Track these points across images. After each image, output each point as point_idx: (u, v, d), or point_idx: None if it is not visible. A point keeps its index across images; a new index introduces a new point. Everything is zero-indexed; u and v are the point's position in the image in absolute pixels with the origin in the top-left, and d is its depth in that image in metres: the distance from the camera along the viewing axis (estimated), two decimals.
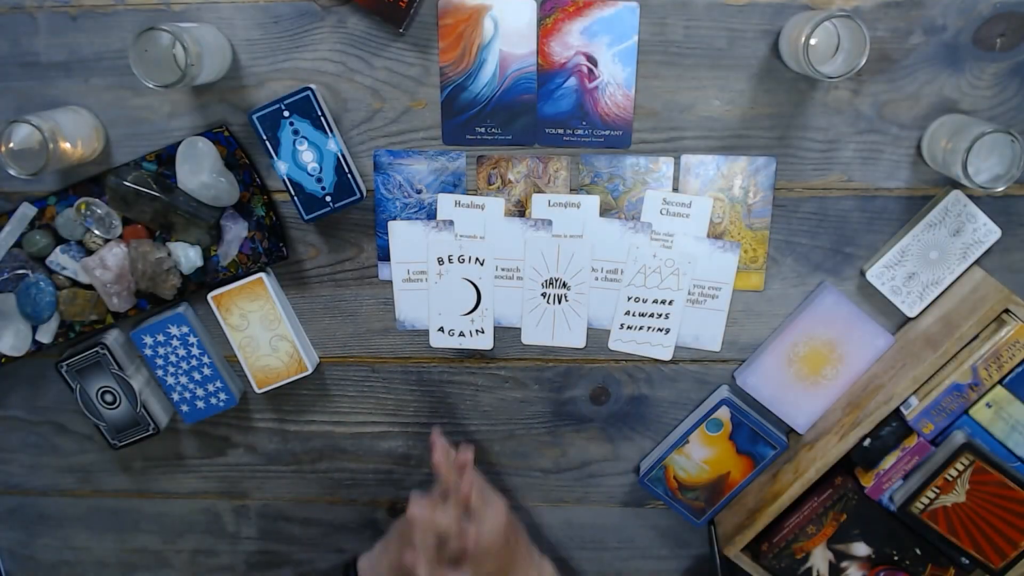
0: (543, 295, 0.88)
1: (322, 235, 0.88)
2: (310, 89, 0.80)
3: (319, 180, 0.82)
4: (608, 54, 0.80)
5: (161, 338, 0.88)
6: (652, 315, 0.87)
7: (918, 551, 0.83)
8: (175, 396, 0.90)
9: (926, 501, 0.79)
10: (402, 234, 0.87)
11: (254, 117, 0.80)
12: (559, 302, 0.88)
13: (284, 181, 0.82)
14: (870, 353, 0.85)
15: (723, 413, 0.87)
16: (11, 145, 0.78)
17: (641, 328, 0.88)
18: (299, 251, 0.89)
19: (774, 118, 0.82)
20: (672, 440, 0.90)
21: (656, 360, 0.89)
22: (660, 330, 0.87)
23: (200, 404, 0.90)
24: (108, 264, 0.84)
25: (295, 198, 0.82)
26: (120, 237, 0.85)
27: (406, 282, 0.89)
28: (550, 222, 0.85)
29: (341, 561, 0.85)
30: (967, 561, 0.81)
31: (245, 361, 0.88)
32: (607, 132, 0.83)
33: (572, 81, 0.81)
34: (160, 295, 0.86)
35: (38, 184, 0.86)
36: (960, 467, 0.78)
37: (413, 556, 0.73)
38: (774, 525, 0.86)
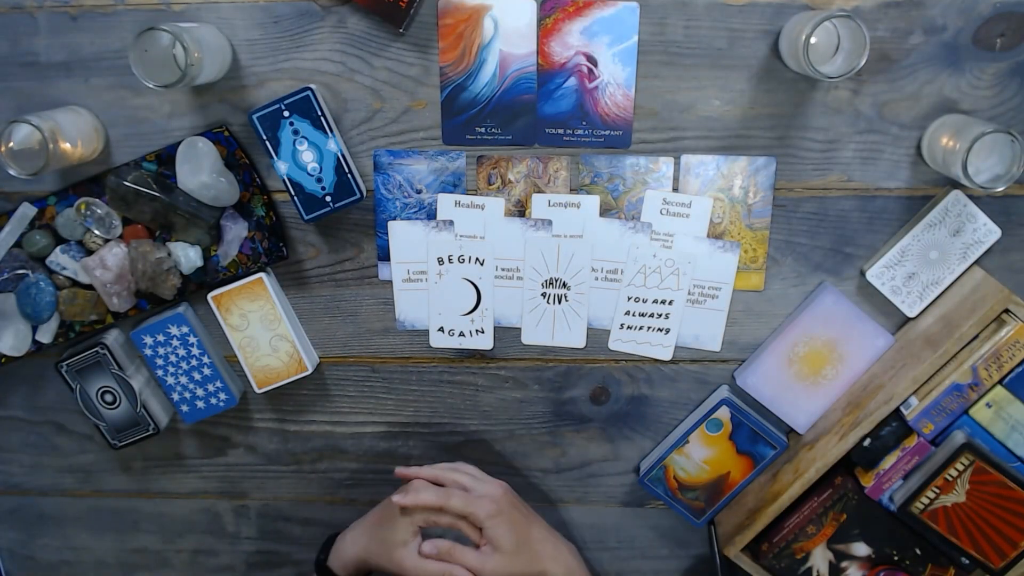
0: (543, 295, 0.88)
1: (322, 235, 0.88)
2: (310, 89, 0.80)
3: (319, 180, 0.82)
4: (608, 54, 0.80)
5: (161, 338, 0.88)
6: (652, 315, 0.87)
7: (918, 551, 0.83)
8: (175, 396, 0.90)
9: (926, 501, 0.79)
10: (402, 234, 0.87)
11: (254, 117, 0.80)
12: (559, 302, 0.88)
13: (284, 181, 0.82)
14: (870, 353, 0.85)
15: (723, 413, 0.87)
16: (11, 145, 0.78)
17: (641, 328, 0.88)
18: (299, 251, 0.89)
19: (774, 118, 0.82)
20: (672, 440, 0.90)
21: (656, 360, 0.89)
22: (660, 330, 0.87)
23: (200, 404, 0.90)
24: (108, 264, 0.84)
25: (295, 198, 0.82)
26: (120, 237, 0.85)
27: (406, 282, 0.89)
28: (550, 222, 0.85)
29: (323, 539, 0.87)
30: (967, 561, 0.81)
31: (245, 361, 0.88)
32: (607, 132, 0.83)
33: (572, 81, 0.81)
34: (160, 295, 0.86)
35: (38, 184, 0.86)
36: (960, 467, 0.78)
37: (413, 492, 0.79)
38: (774, 525, 0.86)
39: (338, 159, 0.81)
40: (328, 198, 0.82)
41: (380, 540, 0.81)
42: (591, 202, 0.85)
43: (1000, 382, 0.78)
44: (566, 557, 0.81)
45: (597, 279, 0.87)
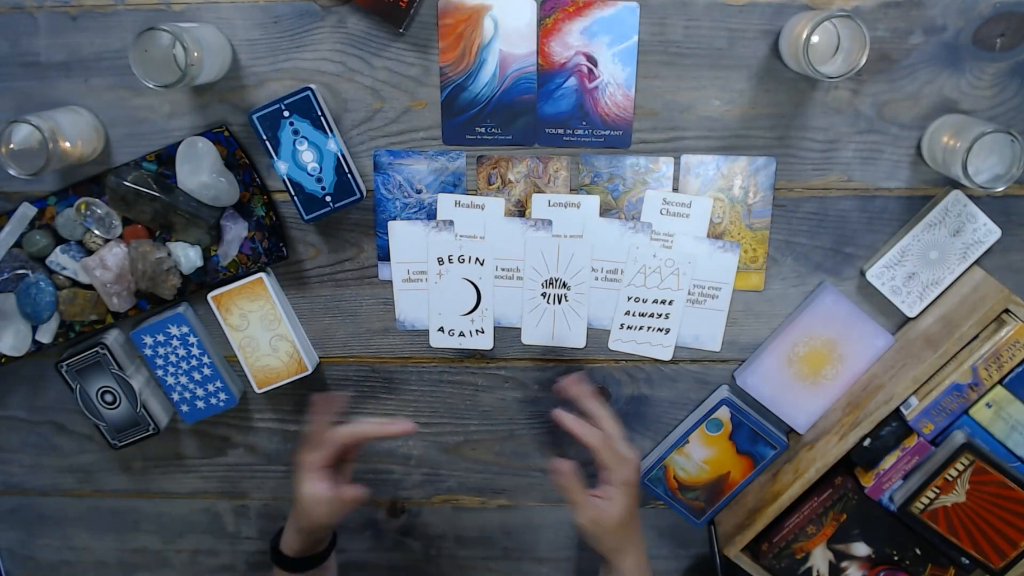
0: (543, 295, 0.88)
1: (322, 235, 0.88)
2: (310, 89, 0.80)
3: (319, 180, 0.82)
4: (608, 54, 0.80)
5: (161, 338, 0.88)
6: (652, 315, 0.87)
7: (918, 551, 0.83)
8: (175, 396, 0.90)
9: (926, 501, 0.79)
10: (402, 234, 0.87)
11: (254, 117, 0.80)
12: (559, 302, 0.88)
13: (284, 181, 0.82)
14: (870, 353, 0.85)
15: (723, 413, 0.87)
16: (11, 145, 0.78)
17: (641, 328, 0.88)
18: (299, 251, 0.89)
19: (774, 118, 0.82)
20: (672, 440, 0.90)
21: (656, 360, 0.89)
22: (660, 330, 0.87)
23: (200, 404, 0.90)
24: (108, 264, 0.84)
25: (295, 198, 0.82)
26: (120, 237, 0.85)
27: (406, 282, 0.89)
28: (550, 222, 0.85)
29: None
30: (967, 561, 0.81)
31: (245, 361, 0.88)
32: (607, 132, 0.83)
33: (572, 81, 0.81)
34: (160, 295, 0.86)
35: (38, 184, 0.86)
36: (960, 467, 0.78)
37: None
38: (774, 525, 0.86)
39: (338, 159, 0.81)
40: (328, 198, 0.82)
41: (294, 497, 0.81)
42: (591, 202, 0.85)
43: (1000, 382, 0.78)
44: (641, 552, 0.81)
45: (597, 279, 0.87)
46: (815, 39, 0.73)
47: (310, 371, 0.89)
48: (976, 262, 0.82)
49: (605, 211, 0.85)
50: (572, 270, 0.86)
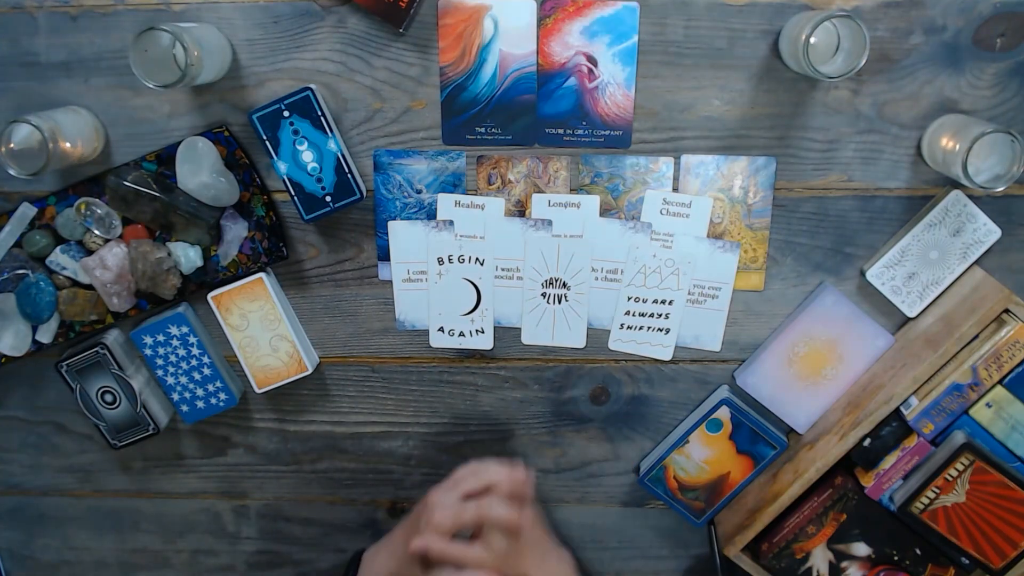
0: (543, 295, 0.88)
1: (322, 235, 0.88)
2: (310, 89, 0.80)
3: (319, 180, 0.82)
4: (608, 54, 0.81)
5: (161, 338, 0.88)
6: (652, 315, 0.87)
7: (918, 551, 0.83)
8: (175, 396, 0.90)
9: (926, 501, 0.79)
10: (402, 234, 0.87)
11: (254, 117, 0.80)
12: (559, 302, 0.88)
13: (284, 181, 0.82)
14: (870, 353, 0.85)
15: (723, 413, 0.87)
16: (11, 145, 0.78)
17: (641, 328, 0.88)
18: (299, 251, 0.89)
19: (774, 118, 0.82)
20: (672, 440, 0.90)
21: (656, 360, 0.89)
22: (660, 330, 0.87)
23: (200, 404, 0.90)
24: (108, 264, 0.84)
25: (295, 198, 0.82)
26: (120, 237, 0.85)
27: (406, 282, 0.89)
28: (550, 222, 0.85)
29: (350, 555, 0.85)
30: (967, 561, 0.81)
31: (245, 361, 0.88)
32: (607, 132, 0.83)
33: (572, 81, 0.81)
34: (160, 295, 0.86)
35: (38, 184, 0.86)
36: (960, 467, 0.78)
37: (421, 541, 0.71)
38: (774, 525, 0.86)
39: (338, 159, 0.81)
40: (328, 198, 0.82)
41: (410, 559, 0.75)
42: (591, 202, 0.85)
43: (1000, 382, 0.78)
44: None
45: (597, 279, 0.87)
46: (815, 39, 0.73)
47: (310, 371, 0.89)
48: (976, 262, 0.82)
49: (605, 211, 0.85)
50: (572, 270, 0.86)
